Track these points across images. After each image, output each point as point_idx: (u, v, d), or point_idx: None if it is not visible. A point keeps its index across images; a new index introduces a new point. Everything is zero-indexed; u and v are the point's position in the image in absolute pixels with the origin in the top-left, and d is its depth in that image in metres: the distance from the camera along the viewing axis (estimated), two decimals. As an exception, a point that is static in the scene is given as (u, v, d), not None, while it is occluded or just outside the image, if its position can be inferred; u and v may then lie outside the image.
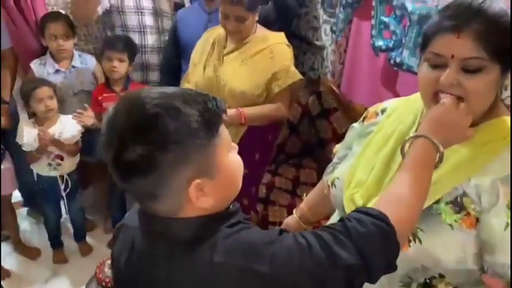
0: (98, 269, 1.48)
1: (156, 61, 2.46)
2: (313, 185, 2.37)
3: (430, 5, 1.64)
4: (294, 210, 1.38)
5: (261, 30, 1.92)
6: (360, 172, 1.04)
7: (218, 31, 1.95)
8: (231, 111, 1.80)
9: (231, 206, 0.79)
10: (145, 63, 2.44)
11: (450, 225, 0.88)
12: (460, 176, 0.89)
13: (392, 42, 1.80)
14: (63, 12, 2.39)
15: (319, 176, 2.43)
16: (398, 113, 1.07)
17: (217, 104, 0.72)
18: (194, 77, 1.98)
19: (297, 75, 1.90)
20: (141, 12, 2.37)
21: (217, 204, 0.74)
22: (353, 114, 2.26)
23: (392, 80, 2.04)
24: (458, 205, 0.89)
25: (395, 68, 1.82)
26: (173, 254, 0.73)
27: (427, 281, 0.94)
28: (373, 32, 1.89)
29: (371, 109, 1.17)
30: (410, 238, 0.91)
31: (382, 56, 1.97)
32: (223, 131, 0.74)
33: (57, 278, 2.42)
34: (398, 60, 1.77)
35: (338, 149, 1.30)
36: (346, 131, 2.30)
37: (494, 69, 0.85)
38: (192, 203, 0.71)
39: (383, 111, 1.12)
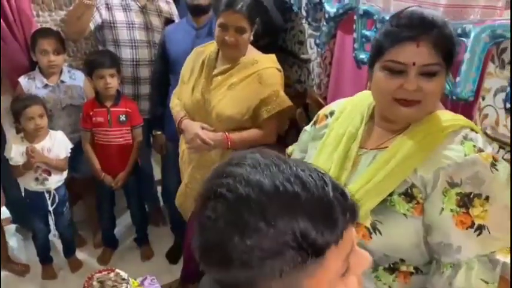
0: (86, 283, 1.47)
1: (147, 74, 2.49)
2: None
3: (409, 18, 1.69)
4: None
5: (251, 53, 1.89)
6: None
7: (210, 49, 1.93)
8: (217, 135, 1.82)
9: None
10: (136, 76, 2.47)
11: (404, 214, 0.97)
12: (407, 169, 0.97)
13: (374, 55, 1.85)
14: (54, 28, 2.43)
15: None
16: (346, 114, 1.15)
17: (335, 217, 0.52)
18: (183, 96, 1.97)
19: (286, 102, 1.86)
20: (132, 27, 2.41)
21: None
22: (339, 126, 2.31)
23: (376, 92, 2.09)
24: (409, 195, 0.97)
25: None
26: None
27: (391, 265, 1.02)
28: (356, 45, 1.94)
29: (321, 112, 1.25)
30: (371, 230, 0.99)
31: (365, 68, 2.02)
32: (334, 255, 0.52)
33: (46, 294, 2.41)
34: (380, 72, 1.82)
35: (292, 150, 1.37)
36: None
37: (444, 72, 0.96)
38: None
39: (331, 113, 1.20)
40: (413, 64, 0.94)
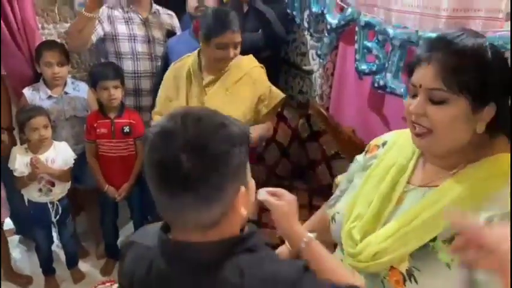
0: (90, 294, 1.48)
1: (148, 86, 2.51)
2: (305, 206, 2.41)
3: (410, 30, 1.71)
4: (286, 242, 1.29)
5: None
6: (358, 206, 1.03)
7: (187, 63, 1.97)
8: None
9: (246, 228, 0.83)
10: (137, 88, 2.49)
11: (447, 264, 0.85)
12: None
13: (375, 66, 1.86)
14: (58, 41, 2.46)
15: (311, 198, 2.46)
16: (398, 146, 1.07)
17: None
18: None
19: (280, 94, 2.00)
20: (134, 39, 2.44)
21: (245, 217, 0.81)
22: (341, 136, 2.31)
23: (378, 103, 2.10)
24: None
25: (379, 91, 1.88)
26: (198, 277, 0.76)
27: None
28: (357, 56, 1.95)
29: (372, 142, 1.16)
30: (406, 277, 0.89)
31: (368, 79, 2.03)
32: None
33: (49, 305, 2.41)
34: (381, 83, 1.82)
35: (340, 180, 1.29)
36: (335, 152, 2.37)
37: (460, 103, 0.85)
38: (230, 216, 0.76)
39: (384, 144, 1.12)
40: (420, 86, 0.88)
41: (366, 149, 1.17)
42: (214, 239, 0.76)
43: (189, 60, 1.97)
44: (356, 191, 1.07)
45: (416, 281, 0.87)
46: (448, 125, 0.87)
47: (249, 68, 1.94)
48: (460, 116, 0.85)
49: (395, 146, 1.07)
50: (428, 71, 0.86)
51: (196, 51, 1.99)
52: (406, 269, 0.89)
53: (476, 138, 0.88)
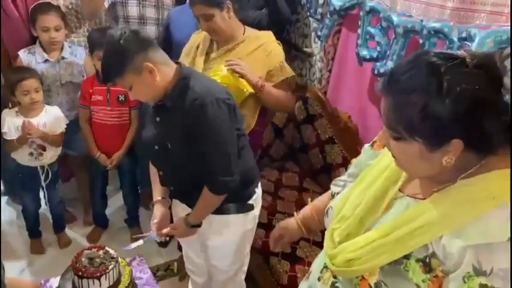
0: (75, 258, 1.47)
1: None
2: (295, 188, 2.42)
3: (415, 19, 1.69)
4: (295, 214, 1.29)
5: (250, 31, 1.96)
6: (347, 206, 0.99)
7: (204, 33, 1.99)
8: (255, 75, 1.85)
9: None
10: None
11: (417, 285, 0.82)
12: (433, 233, 0.81)
13: (376, 52, 1.85)
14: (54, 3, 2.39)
15: (301, 180, 2.48)
16: None
17: None
18: None
19: (290, 72, 1.98)
20: (143, 5, 2.43)
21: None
22: (337, 121, 2.31)
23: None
24: (427, 265, 0.81)
25: (379, 78, 1.87)
26: None
27: None
28: (359, 41, 1.94)
29: (378, 138, 1.09)
30: None
31: (368, 66, 2.02)
32: None
33: (33, 267, 2.42)
34: (382, 70, 1.82)
35: (352, 163, 1.20)
36: (329, 137, 2.37)
37: (414, 144, 0.80)
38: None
39: None
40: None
41: (374, 139, 1.09)
42: None
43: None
44: (348, 190, 1.02)
45: None
46: (406, 161, 0.85)
47: (265, 41, 1.93)
48: (417, 155, 0.81)
49: None
50: (385, 106, 0.82)
51: None
52: (375, 282, 0.87)
53: (460, 160, 0.78)
